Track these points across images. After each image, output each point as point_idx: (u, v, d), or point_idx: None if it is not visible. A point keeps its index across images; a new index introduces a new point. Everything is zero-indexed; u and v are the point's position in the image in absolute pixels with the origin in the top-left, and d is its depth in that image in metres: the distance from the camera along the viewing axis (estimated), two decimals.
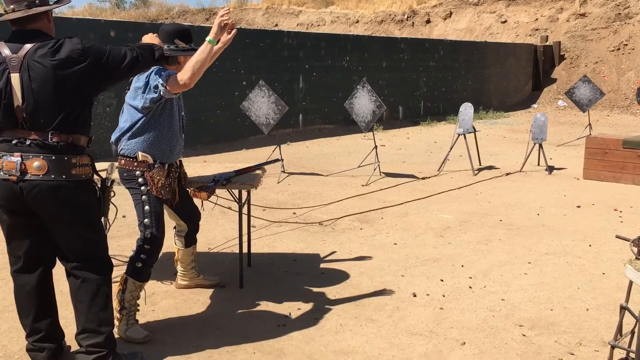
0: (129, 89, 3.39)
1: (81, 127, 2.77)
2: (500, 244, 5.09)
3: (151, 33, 3.31)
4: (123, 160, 3.33)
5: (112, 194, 3.08)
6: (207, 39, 3.13)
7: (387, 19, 23.86)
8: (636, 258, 2.82)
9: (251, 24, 26.08)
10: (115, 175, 3.55)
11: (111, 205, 4.00)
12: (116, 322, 3.31)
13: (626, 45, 17.73)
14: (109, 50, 2.80)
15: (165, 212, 3.52)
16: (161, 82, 3.14)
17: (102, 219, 3.01)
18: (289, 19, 26.28)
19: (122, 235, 5.17)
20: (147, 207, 3.28)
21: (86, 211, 2.82)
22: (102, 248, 2.94)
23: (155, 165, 3.30)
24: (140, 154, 3.28)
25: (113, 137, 3.41)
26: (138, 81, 3.27)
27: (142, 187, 3.29)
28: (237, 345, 3.25)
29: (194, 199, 3.77)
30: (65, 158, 2.69)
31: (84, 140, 2.79)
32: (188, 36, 3.44)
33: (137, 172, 3.29)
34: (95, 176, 2.90)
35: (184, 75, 3.09)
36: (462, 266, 4.53)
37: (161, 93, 3.16)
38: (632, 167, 7.45)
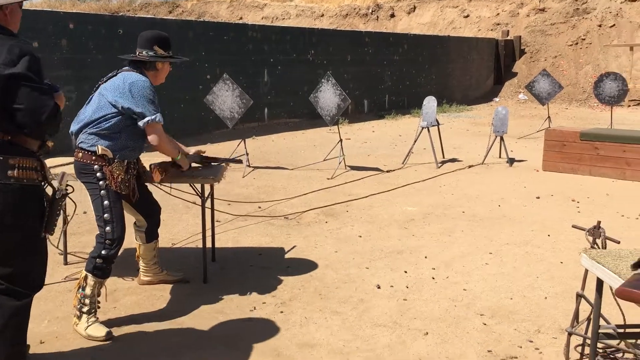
0: (105, 81, 3.36)
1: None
2: (463, 235, 5.18)
3: None
4: (80, 153, 3.27)
5: (61, 207, 2.80)
6: (178, 156, 3.62)
7: (352, 12, 23.92)
8: (591, 247, 2.91)
9: (215, 17, 25.80)
10: (70, 182, 3.46)
11: (70, 202, 3.89)
12: (76, 320, 3.25)
13: (584, 39, 18.19)
14: (33, 87, 2.43)
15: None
16: (148, 119, 3.26)
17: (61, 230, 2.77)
18: (254, 12, 26.10)
19: (83, 232, 5.07)
20: (106, 202, 3.22)
21: (22, 222, 2.53)
22: (30, 270, 2.60)
23: (115, 160, 3.25)
24: (99, 147, 3.22)
25: (73, 128, 3.34)
26: (124, 82, 3.27)
27: (101, 182, 3.23)
28: (202, 340, 3.23)
29: (153, 195, 3.72)
30: (1, 158, 2.46)
31: (31, 143, 2.57)
32: (167, 44, 3.49)
33: (95, 167, 3.23)
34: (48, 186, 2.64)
35: (159, 140, 3.37)
36: (426, 257, 4.60)
37: (139, 124, 3.28)
38: (589, 158, 7.66)
